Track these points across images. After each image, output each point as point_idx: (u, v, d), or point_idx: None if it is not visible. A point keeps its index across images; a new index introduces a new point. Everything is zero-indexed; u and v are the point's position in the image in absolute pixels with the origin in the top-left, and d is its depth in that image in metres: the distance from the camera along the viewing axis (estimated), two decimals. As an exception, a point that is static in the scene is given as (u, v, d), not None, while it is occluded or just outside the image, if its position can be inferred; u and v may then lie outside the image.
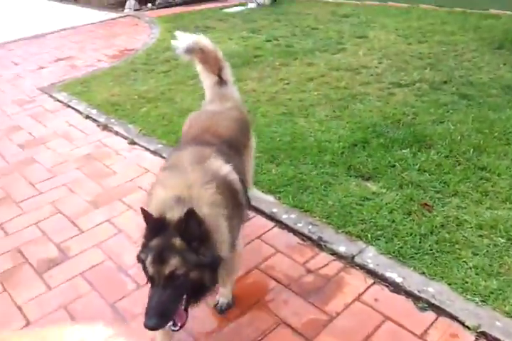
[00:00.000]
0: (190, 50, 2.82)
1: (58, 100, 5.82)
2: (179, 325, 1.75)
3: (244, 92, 5.27)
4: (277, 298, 2.53)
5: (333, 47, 6.61)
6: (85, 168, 4.18)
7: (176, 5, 10.79)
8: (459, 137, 3.83)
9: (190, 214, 1.69)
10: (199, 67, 2.98)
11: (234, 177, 2.12)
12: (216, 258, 1.79)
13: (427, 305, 2.36)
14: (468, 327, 2.22)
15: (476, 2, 7.77)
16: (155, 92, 5.64)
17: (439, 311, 2.33)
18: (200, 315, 2.47)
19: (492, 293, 2.37)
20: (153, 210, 1.82)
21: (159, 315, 1.63)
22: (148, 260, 1.70)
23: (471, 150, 3.60)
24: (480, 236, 2.77)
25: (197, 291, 1.80)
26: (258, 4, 9.86)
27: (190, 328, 2.37)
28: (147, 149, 4.34)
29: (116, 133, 4.75)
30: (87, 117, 5.22)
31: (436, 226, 2.86)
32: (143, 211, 1.77)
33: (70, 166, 4.24)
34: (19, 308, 2.67)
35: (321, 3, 9.46)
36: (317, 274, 2.67)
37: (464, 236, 2.77)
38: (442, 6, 8.16)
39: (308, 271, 2.70)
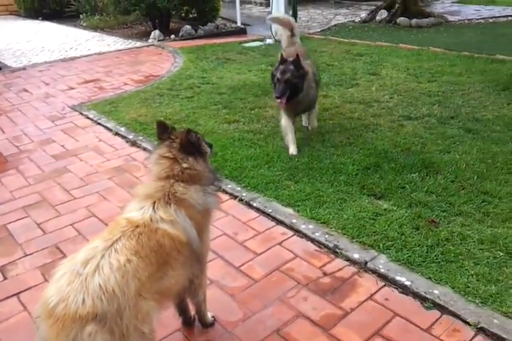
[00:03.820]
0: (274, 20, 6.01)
1: (88, 117, 6.22)
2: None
3: (264, 118, 5.70)
4: (297, 295, 2.80)
5: (347, 82, 7.08)
6: (116, 178, 4.52)
7: (198, 37, 11.44)
8: (464, 165, 4.18)
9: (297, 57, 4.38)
10: (281, 28, 5.77)
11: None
12: (305, 74, 4.46)
13: (432, 305, 2.63)
14: (469, 324, 2.48)
15: (484, 48, 8.30)
16: (180, 115, 6.04)
17: (443, 310, 2.59)
18: (226, 308, 2.73)
19: (491, 296, 2.65)
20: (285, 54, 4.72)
21: (282, 92, 4.34)
22: (278, 72, 4.39)
23: (475, 177, 3.94)
24: (481, 249, 3.06)
25: (294, 91, 4.42)
26: (276, 40, 10.48)
27: (216, 316, 2.63)
28: (174, 164, 4.68)
29: (145, 149, 5.11)
30: (116, 134, 5.60)
31: (441, 240, 3.16)
32: (281, 56, 4.51)
33: (101, 176, 4.57)
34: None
35: (336, 42, 10.06)
36: (333, 276, 2.95)
37: (466, 248, 3.07)
38: (452, 49, 8.70)
39: (325, 274, 2.97)
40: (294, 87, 4.36)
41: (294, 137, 4.72)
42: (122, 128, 5.70)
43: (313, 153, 4.61)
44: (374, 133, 5.09)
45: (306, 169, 4.28)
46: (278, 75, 4.37)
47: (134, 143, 5.28)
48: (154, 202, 2.07)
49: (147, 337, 1.83)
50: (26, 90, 7.73)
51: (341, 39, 10.31)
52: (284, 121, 4.78)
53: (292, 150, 4.64)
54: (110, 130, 5.73)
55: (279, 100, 4.44)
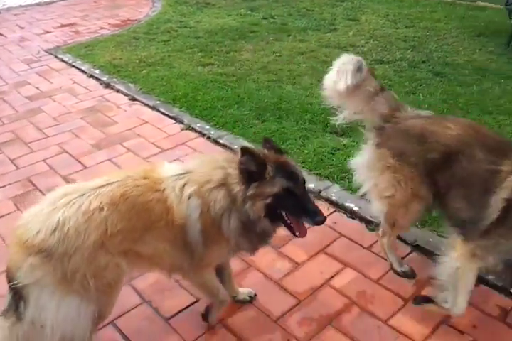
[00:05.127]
0: None
1: (63, 60, 6.17)
2: None
3: (238, 61, 5.70)
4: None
5: (326, 27, 7.01)
6: (88, 117, 4.59)
7: (179, -18, 11.04)
8: (427, 105, 4.29)
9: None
10: None
11: None
12: None
13: (375, 227, 2.85)
14: (407, 242, 2.71)
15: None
16: (155, 58, 6.01)
17: (385, 232, 2.81)
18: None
19: (430, 219, 2.87)
20: None
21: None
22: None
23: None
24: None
25: None
26: (258, -15, 10.17)
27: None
28: (146, 104, 4.76)
29: (118, 90, 5.15)
30: (91, 76, 5.60)
31: (393, 171, 3.34)
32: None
33: (74, 116, 4.64)
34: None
35: (319, -13, 9.80)
36: (288, 204, 3.14)
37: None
38: (433, -5, 8.57)
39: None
40: None
41: None
42: (97, 71, 5.69)
43: (282, 95, 4.69)
44: (345, 76, 5.15)
45: (275, 109, 4.38)
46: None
47: (107, 85, 5.30)
48: (193, 181, 1.90)
49: (92, 289, 1.74)
50: (1, 34, 7.56)
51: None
52: None
53: None
54: (85, 72, 5.72)
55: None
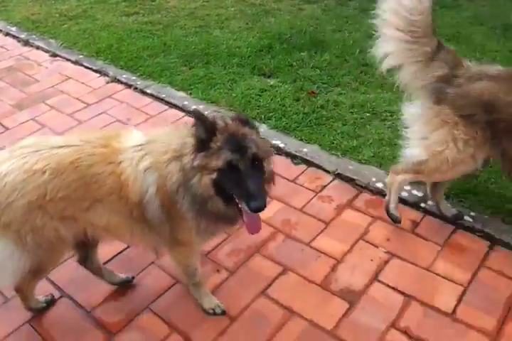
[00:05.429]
0: None
1: (-25, 19, 5.73)
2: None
3: (165, 9, 5.49)
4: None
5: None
6: (7, 78, 4.35)
7: None
8: (351, 42, 4.36)
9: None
10: None
11: None
12: None
13: (300, 161, 2.96)
14: (328, 172, 2.84)
15: None
16: (76, 11, 5.67)
17: (309, 164, 2.94)
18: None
19: (351, 148, 3.01)
20: None
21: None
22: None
23: (358, 50, 4.14)
24: (351, 112, 3.39)
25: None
26: None
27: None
28: (68, 60, 4.55)
29: (38, 47, 4.87)
30: (7, 34, 5.24)
31: (317, 107, 3.44)
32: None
33: (-8, 77, 4.40)
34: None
35: None
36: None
37: (338, 112, 3.38)
38: None
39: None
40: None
41: None
42: (13, 28, 5.32)
43: (210, 40, 4.60)
44: (273, 17, 5.08)
45: (202, 55, 4.31)
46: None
47: (26, 43, 5.00)
48: (151, 152, 1.75)
49: (30, 243, 1.72)
50: None
51: None
52: None
53: None
54: (0, 31, 5.35)
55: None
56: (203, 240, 1.96)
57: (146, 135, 1.85)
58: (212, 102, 3.63)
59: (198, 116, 1.63)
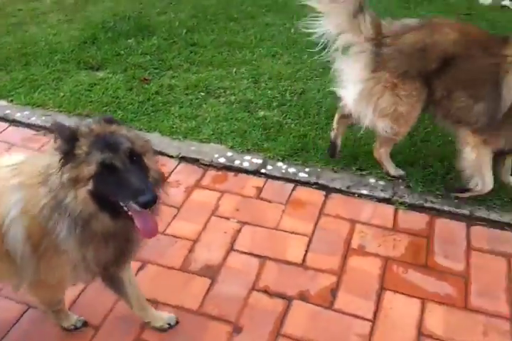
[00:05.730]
0: None
1: None
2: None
3: None
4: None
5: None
6: None
7: None
8: (177, 23, 4.33)
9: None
10: None
11: None
12: None
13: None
14: (172, 156, 2.85)
15: None
16: None
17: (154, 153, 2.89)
18: None
19: (190, 130, 3.05)
20: None
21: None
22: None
23: (185, 31, 4.15)
24: (186, 94, 3.41)
25: None
26: None
27: None
28: None
29: None
30: None
31: (152, 94, 3.41)
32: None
33: None
34: None
35: None
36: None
37: (174, 96, 3.39)
38: None
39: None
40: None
41: None
42: None
43: (26, 38, 4.25)
44: (94, 6, 4.84)
45: (20, 56, 3.97)
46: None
47: None
48: (23, 172, 1.53)
49: None
50: None
51: None
52: None
53: None
54: None
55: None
56: (85, 274, 1.65)
57: (24, 156, 1.66)
58: (38, 106, 3.38)
59: (55, 127, 1.42)
